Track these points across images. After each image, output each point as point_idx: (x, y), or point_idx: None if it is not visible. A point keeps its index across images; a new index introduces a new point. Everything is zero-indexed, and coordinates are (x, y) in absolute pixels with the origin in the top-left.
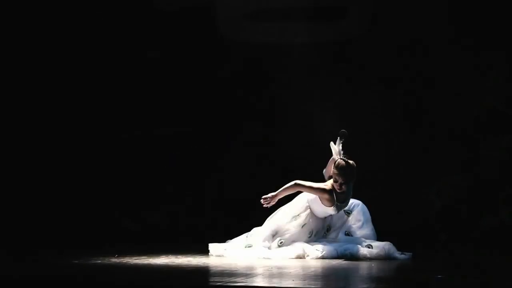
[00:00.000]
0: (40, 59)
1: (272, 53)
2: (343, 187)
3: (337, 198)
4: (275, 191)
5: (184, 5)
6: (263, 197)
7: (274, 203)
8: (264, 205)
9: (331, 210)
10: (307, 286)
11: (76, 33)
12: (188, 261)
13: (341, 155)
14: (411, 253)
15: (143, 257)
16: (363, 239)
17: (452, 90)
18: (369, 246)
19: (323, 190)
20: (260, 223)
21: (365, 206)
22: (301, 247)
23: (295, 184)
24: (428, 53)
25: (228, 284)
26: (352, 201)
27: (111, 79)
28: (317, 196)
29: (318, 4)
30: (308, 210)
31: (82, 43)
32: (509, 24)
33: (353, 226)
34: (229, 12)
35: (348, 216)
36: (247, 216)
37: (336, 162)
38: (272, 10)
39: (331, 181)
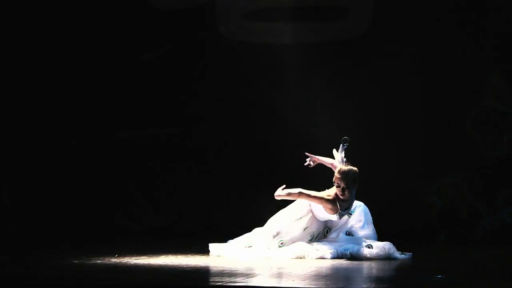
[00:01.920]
0: (38, 60)
1: (269, 53)
2: (345, 192)
3: (340, 207)
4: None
5: (182, 6)
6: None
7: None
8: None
9: (333, 217)
10: (307, 286)
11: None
12: (188, 261)
13: (344, 162)
14: (411, 253)
15: (143, 257)
16: (364, 239)
17: (452, 90)
18: (369, 246)
19: (326, 201)
20: (261, 223)
21: (366, 207)
22: (301, 247)
23: (299, 193)
24: (427, 53)
25: (228, 284)
26: (354, 202)
27: (107, 78)
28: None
29: (316, 4)
30: (310, 214)
31: (76, 44)
32: (506, 24)
33: (355, 226)
34: (228, 12)
35: (349, 217)
36: (248, 216)
37: (338, 167)
38: (267, 10)
39: (334, 189)
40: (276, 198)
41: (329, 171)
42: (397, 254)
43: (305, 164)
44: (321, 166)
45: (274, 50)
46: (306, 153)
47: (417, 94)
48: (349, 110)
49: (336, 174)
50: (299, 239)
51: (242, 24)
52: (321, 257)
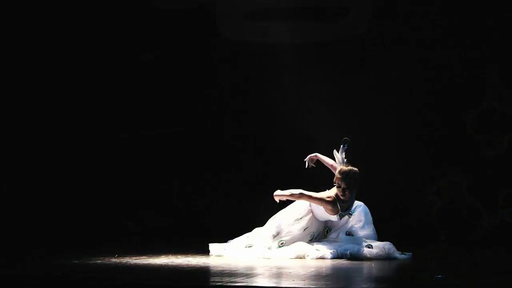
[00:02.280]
0: (39, 60)
1: (268, 53)
2: (346, 192)
3: (341, 208)
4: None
5: (182, 6)
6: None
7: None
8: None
9: (333, 218)
10: (307, 286)
11: (72, 33)
12: (188, 261)
13: (345, 163)
14: (411, 253)
15: (143, 257)
16: (364, 239)
17: (452, 90)
18: (369, 246)
19: (327, 202)
20: (261, 224)
21: (367, 208)
22: (301, 247)
23: (301, 194)
24: (426, 53)
25: (228, 284)
26: (355, 203)
27: (108, 80)
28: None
29: (316, 5)
30: (311, 214)
31: (77, 44)
32: (506, 24)
33: (355, 226)
34: (228, 12)
35: (350, 217)
36: (248, 216)
37: (339, 168)
38: (267, 10)
39: (334, 189)
40: (275, 198)
41: (329, 172)
42: (397, 254)
43: (306, 167)
44: (321, 166)
45: (274, 50)
46: (305, 160)
47: (417, 94)
48: (349, 110)
49: (337, 175)
50: (299, 239)
51: (242, 24)
52: (321, 257)
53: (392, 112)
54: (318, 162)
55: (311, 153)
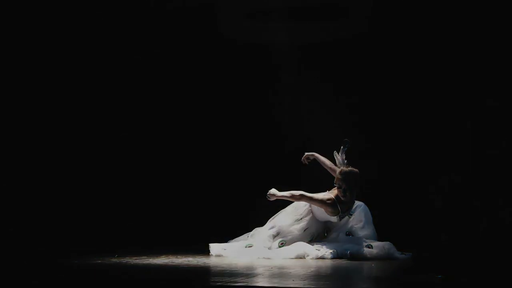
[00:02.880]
0: (38, 60)
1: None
2: (346, 193)
3: (341, 209)
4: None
5: (181, 5)
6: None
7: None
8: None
9: (333, 219)
10: (307, 286)
11: (72, 32)
12: (188, 261)
13: (345, 164)
14: (411, 253)
15: (143, 257)
16: (364, 239)
17: (452, 90)
18: (369, 246)
19: (327, 204)
20: (261, 224)
21: (366, 207)
22: (301, 247)
23: (301, 195)
24: (426, 53)
25: (228, 284)
26: (355, 203)
27: (110, 79)
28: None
29: (315, 5)
30: (311, 215)
31: (77, 44)
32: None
33: (355, 226)
34: (229, 11)
35: (350, 217)
36: (248, 216)
37: (340, 169)
38: (268, 10)
39: (334, 190)
40: (271, 198)
41: (328, 173)
42: (397, 254)
43: (303, 165)
44: (320, 168)
45: (273, 50)
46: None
47: (417, 94)
48: (348, 111)
49: (338, 176)
50: (299, 239)
51: (242, 24)
52: (321, 257)
53: (391, 112)
54: (316, 162)
55: (309, 152)
